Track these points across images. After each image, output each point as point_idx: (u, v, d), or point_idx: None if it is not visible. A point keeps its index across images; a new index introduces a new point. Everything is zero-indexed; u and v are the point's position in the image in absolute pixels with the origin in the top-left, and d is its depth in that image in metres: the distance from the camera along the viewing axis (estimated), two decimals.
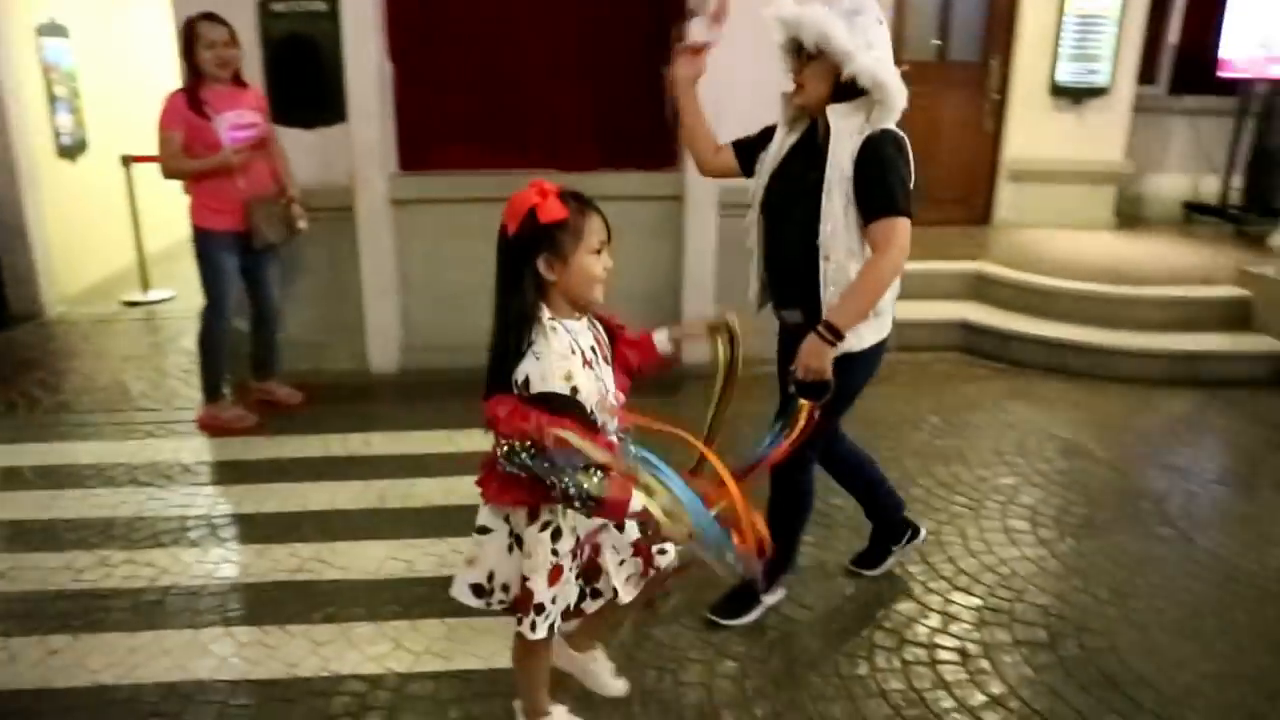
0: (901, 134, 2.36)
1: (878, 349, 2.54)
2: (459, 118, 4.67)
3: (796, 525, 2.79)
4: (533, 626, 1.91)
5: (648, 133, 4.67)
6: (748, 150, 2.63)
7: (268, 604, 2.82)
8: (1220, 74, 7.11)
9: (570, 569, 1.95)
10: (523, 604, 1.92)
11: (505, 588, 1.97)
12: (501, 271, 1.84)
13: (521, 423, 1.71)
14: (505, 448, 1.74)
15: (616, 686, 2.41)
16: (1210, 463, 4.02)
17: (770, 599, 2.85)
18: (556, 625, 1.97)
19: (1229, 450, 4.20)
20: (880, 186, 2.30)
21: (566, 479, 1.68)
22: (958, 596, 2.92)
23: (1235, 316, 5.25)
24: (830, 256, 2.35)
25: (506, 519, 1.93)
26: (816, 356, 2.34)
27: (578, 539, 1.94)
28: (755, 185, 2.56)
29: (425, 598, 2.83)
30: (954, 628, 2.75)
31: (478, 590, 1.98)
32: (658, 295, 4.72)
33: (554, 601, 1.93)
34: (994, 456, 3.93)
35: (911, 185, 2.35)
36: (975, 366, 5.12)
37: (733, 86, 4.45)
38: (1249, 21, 6.85)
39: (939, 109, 6.71)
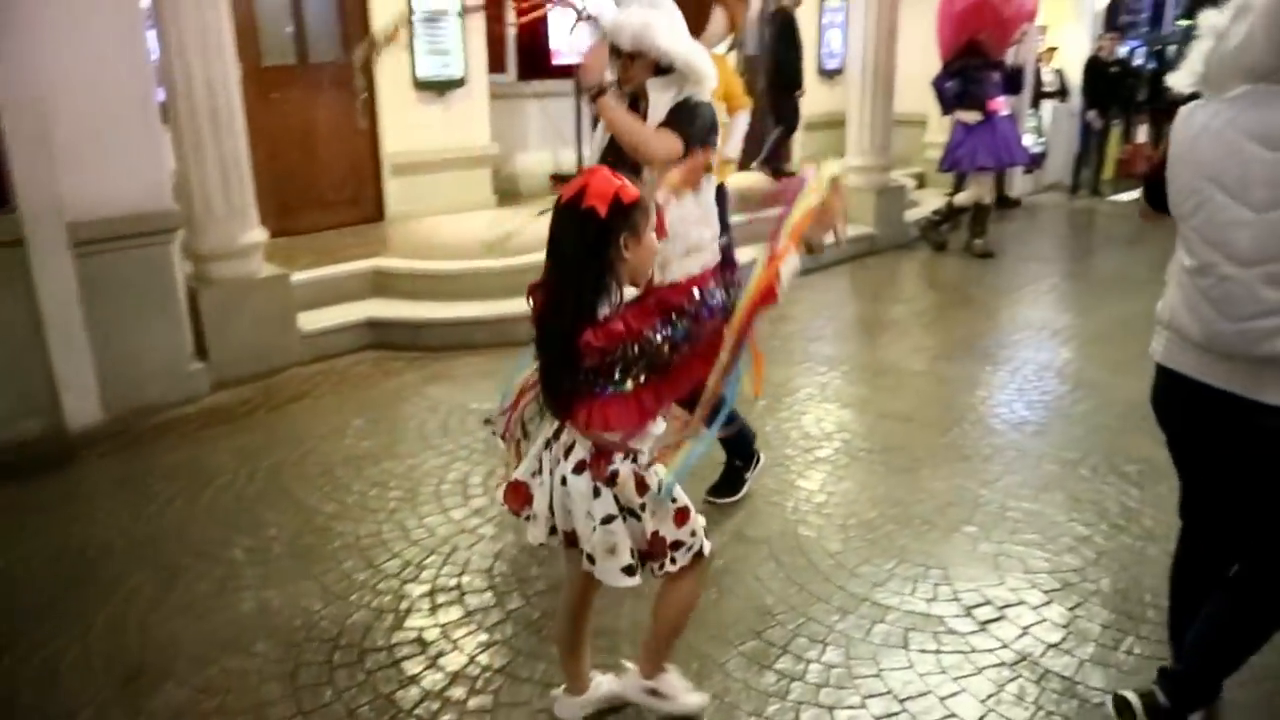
0: (708, 101, 2.98)
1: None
2: None
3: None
4: (675, 560, 2.08)
5: None
6: None
7: None
8: (554, 61, 8.18)
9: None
10: (657, 551, 2.06)
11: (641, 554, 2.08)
12: (588, 256, 1.89)
13: (631, 322, 1.86)
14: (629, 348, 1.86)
15: (696, 700, 2.40)
16: None
17: (751, 475, 3.55)
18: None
19: None
20: (675, 118, 2.89)
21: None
22: (408, 589, 3.05)
23: None
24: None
25: (616, 499, 2.00)
26: (592, 66, 2.98)
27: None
28: (590, 155, 3.00)
29: None
30: (410, 621, 2.88)
31: (629, 570, 2.03)
32: (16, 360, 4.02)
33: (693, 534, 2.12)
34: (421, 443, 4.15)
35: (713, 139, 2.99)
36: (391, 360, 5.24)
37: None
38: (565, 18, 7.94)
39: (312, 111, 6.70)
